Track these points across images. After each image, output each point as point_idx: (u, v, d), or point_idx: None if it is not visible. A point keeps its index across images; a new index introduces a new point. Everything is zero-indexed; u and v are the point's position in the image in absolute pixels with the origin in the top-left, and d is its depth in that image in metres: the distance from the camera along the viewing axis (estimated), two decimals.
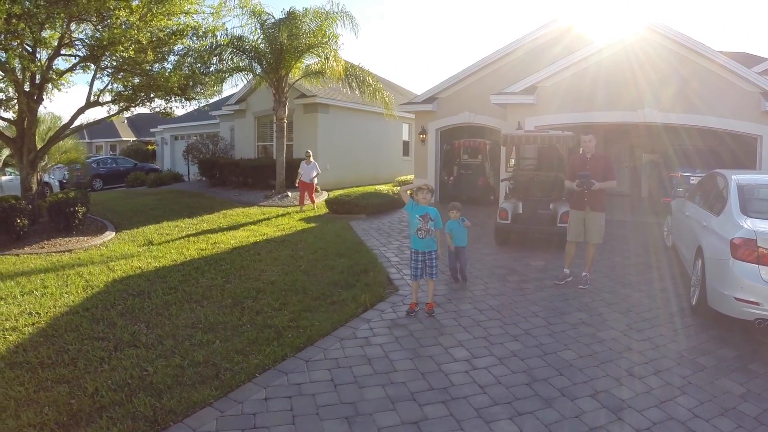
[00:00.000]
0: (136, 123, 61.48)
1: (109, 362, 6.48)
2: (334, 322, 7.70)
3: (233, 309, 8.46)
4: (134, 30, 14.31)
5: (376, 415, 5.29)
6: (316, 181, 20.07)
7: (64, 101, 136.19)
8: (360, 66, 23.11)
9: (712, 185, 9.97)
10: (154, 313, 8.33)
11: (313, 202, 20.08)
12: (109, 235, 15.27)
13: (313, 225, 16.10)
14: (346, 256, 11.78)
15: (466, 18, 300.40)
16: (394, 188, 21.38)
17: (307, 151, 20.74)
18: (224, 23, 19.93)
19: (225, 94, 29.19)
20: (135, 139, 58.30)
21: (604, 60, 16.99)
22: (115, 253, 12.78)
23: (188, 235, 14.88)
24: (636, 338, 7.40)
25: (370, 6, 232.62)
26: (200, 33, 18.07)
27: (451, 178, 21.66)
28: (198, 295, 9.28)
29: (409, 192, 8.52)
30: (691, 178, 16.47)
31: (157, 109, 18.32)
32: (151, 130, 45.02)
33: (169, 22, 15.89)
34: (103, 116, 18.36)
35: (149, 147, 49.55)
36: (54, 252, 13.00)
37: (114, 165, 37.24)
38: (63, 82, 15.82)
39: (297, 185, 20.59)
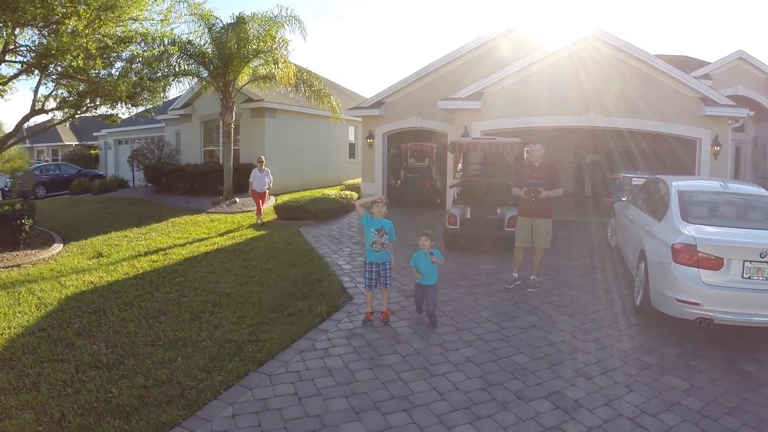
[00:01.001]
0: (78, 126, 59.34)
1: (72, 385, 6.41)
2: (292, 334, 7.79)
3: (191, 324, 8.43)
4: (83, 38, 14.10)
5: (342, 426, 5.45)
6: (268, 190, 19.01)
7: (5, 106, 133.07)
8: (308, 70, 23.10)
9: (654, 190, 10.40)
10: (112, 332, 8.22)
11: (260, 212, 18.44)
12: (57, 247, 15.00)
13: (263, 233, 16.07)
14: (298, 265, 11.83)
15: (419, 21, 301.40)
16: (342, 192, 21.45)
17: (259, 157, 19.23)
18: (173, 29, 19.68)
19: (170, 96, 28.76)
20: (77, 143, 56.91)
21: (549, 66, 17.51)
22: (66, 268, 12.57)
23: (138, 246, 14.70)
24: (584, 339, 7.75)
25: (320, 5, 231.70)
26: (149, 39, 17.89)
27: (399, 182, 21.86)
28: (154, 310, 9.19)
29: (361, 203, 8.65)
30: (634, 179, 16.97)
31: (102, 117, 18.07)
32: (94, 134, 43.97)
33: (117, 28, 15.72)
34: (46, 120, 18.04)
35: (92, 152, 48.47)
36: (1, 267, 12.74)
37: (57, 171, 36.63)
38: (6, 89, 15.55)
39: (250, 195, 19.12)
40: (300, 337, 7.72)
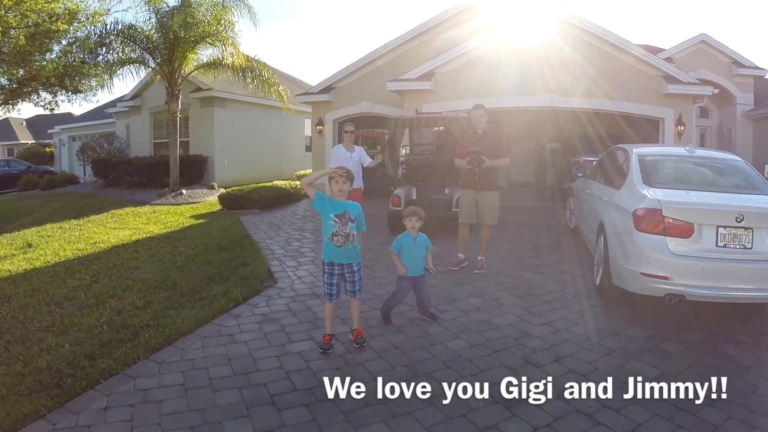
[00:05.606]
0: (34, 125, 59.50)
1: None
2: (198, 319, 6.90)
3: (94, 309, 7.65)
4: (2, 10, 13.26)
5: (225, 423, 4.60)
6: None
7: None
8: (256, 58, 22.32)
9: (612, 160, 9.59)
10: (9, 317, 7.57)
11: None
12: None
13: (201, 221, 15.26)
14: (227, 250, 11.00)
15: (374, 5, 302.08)
16: (292, 183, 20.63)
17: (347, 126, 12.11)
18: (108, 9, 18.86)
19: (121, 92, 28.01)
20: (33, 141, 56.26)
21: (506, 45, 16.90)
22: None
23: (71, 236, 13.85)
24: (535, 323, 6.82)
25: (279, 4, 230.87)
26: (80, 18, 16.99)
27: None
28: (61, 296, 8.45)
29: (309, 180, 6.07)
30: (594, 162, 16.47)
31: (42, 104, 17.26)
32: (49, 131, 43.59)
33: (47, 5, 14.84)
34: None
35: (47, 149, 47.82)
36: None
37: (6, 168, 35.85)
38: None
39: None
40: (207, 322, 6.83)
